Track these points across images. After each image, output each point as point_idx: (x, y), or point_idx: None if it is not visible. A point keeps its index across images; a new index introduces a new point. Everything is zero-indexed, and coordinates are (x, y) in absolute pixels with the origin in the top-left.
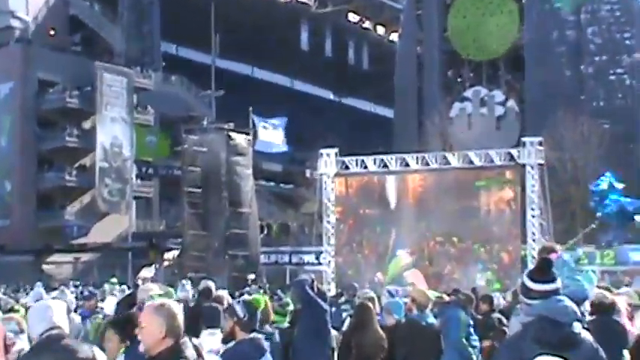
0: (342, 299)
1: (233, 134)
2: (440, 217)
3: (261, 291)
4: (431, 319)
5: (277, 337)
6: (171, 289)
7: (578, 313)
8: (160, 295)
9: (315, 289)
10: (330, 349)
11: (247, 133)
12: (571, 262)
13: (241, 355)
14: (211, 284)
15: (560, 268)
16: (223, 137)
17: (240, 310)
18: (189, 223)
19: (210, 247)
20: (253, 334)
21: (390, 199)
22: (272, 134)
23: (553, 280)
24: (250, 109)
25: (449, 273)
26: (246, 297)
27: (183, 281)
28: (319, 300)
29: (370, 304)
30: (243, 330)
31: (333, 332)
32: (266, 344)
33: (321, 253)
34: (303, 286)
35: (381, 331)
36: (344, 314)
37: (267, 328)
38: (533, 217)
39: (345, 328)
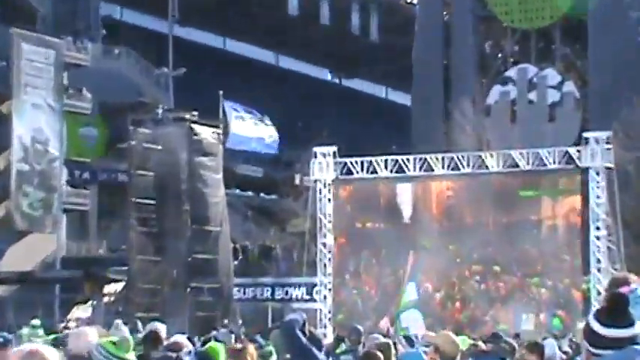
0: (343, 347)
1: (197, 127)
2: (475, 238)
3: (233, 336)
4: None
5: None
6: (127, 337)
7: None
8: (112, 344)
9: (308, 334)
10: None
11: (217, 126)
12: None
13: None
14: (161, 327)
15: (635, 306)
16: (184, 131)
17: None
18: (137, 246)
19: (166, 278)
20: None
21: (405, 212)
22: (250, 127)
23: (631, 324)
24: (221, 93)
25: (490, 317)
26: (212, 343)
27: (118, 321)
28: (313, 349)
29: (380, 355)
30: None
31: None
32: None
33: (315, 285)
34: (293, 330)
35: None
36: None
37: None
38: (598, 238)
39: None
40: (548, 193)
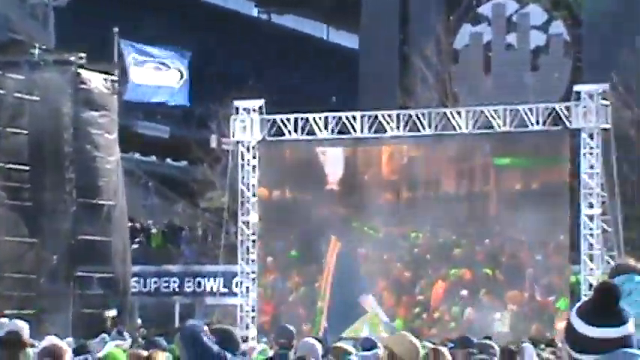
0: (270, 353)
1: (85, 73)
2: (436, 216)
3: (129, 339)
4: None
5: None
6: None
7: None
8: None
9: (214, 338)
10: None
11: (110, 72)
12: None
13: None
14: (22, 326)
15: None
16: (68, 77)
17: None
18: (6, 225)
19: (43, 266)
20: None
21: (342, 184)
22: (153, 74)
23: (623, 322)
24: (115, 30)
25: (452, 316)
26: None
27: None
28: (229, 356)
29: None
30: None
31: None
32: None
33: (234, 275)
34: (198, 337)
35: None
36: None
37: None
38: (590, 218)
39: None
40: (529, 162)
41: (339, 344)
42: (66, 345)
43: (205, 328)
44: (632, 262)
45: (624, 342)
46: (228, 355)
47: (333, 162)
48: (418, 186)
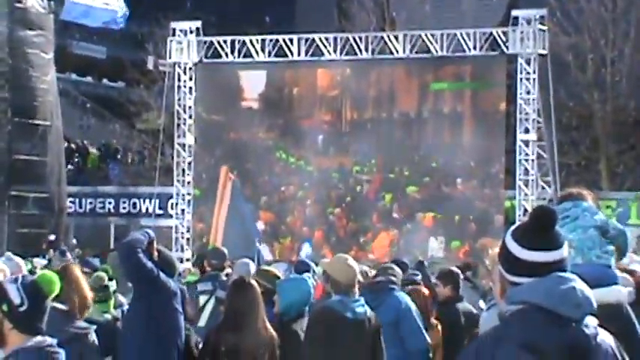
0: (203, 275)
1: None
2: (370, 140)
3: (64, 259)
4: (360, 309)
5: (93, 337)
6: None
7: (594, 304)
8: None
9: (157, 255)
10: (178, 355)
11: None
12: (600, 218)
13: None
14: None
15: (578, 224)
16: None
17: (14, 293)
18: None
19: None
20: (38, 339)
21: (285, 105)
22: None
23: (557, 245)
24: None
25: (384, 237)
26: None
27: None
28: (162, 275)
29: (254, 284)
30: (19, 329)
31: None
32: (61, 356)
33: (170, 197)
34: (134, 252)
35: (271, 330)
36: (202, 299)
37: (78, 323)
38: (526, 143)
39: (204, 321)
40: (465, 85)
41: (267, 267)
42: (5, 265)
43: (146, 244)
44: (582, 190)
45: (558, 265)
46: (161, 274)
47: (256, 81)
48: (353, 111)
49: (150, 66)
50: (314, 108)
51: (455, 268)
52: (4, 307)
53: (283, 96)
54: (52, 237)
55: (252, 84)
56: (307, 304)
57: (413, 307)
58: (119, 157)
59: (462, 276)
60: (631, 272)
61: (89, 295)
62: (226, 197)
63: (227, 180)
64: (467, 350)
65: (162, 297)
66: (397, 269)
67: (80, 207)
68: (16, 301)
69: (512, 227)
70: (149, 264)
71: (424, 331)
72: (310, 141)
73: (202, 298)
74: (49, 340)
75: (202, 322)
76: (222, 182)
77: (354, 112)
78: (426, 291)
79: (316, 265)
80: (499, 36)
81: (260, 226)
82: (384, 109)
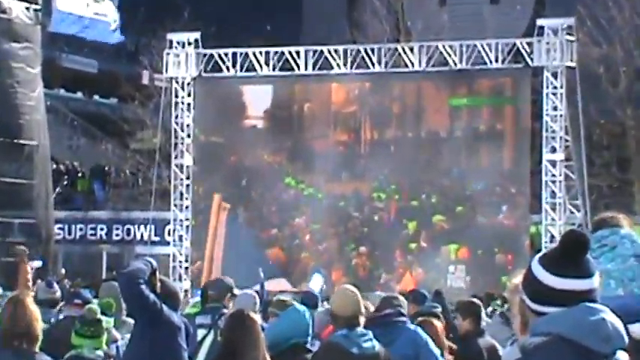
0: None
1: (5, 1)
2: (384, 163)
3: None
4: (368, 343)
5: None
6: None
7: (625, 338)
8: None
9: (159, 287)
10: None
11: (33, 2)
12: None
13: None
14: None
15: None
16: None
17: None
18: None
19: None
20: None
21: (294, 124)
22: (81, 2)
23: (589, 274)
24: None
25: (408, 281)
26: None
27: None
28: (165, 308)
29: (253, 316)
30: None
31: None
32: None
33: (167, 223)
34: (136, 283)
35: None
36: (201, 333)
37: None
38: (553, 163)
39: (202, 357)
40: (487, 102)
41: (282, 297)
42: None
43: (148, 274)
44: (618, 215)
45: (589, 296)
46: (165, 308)
47: (261, 97)
48: (364, 131)
49: (145, 81)
50: (327, 127)
51: (475, 300)
52: None
53: (292, 113)
54: (38, 264)
55: (257, 100)
56: (304, 338)
57: (429, 340)
58: (111, 179)
59: (483, 309)
60: None
61: (40, 326)
62: (221, 226)
63: (220, 209)
64: None
65: (165, 332)
66: (402, 299)
67: (69, 234)
68: None
69: (540, 253)
70: (152, 296)
71: None
72: (322, 165)
73: (200, 332)
74: None
75: (201, 358)
76: (214, 211)
77: (366, 133)
78: (438, 323)
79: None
80: (523, 47)
81: (267, 262)
82: (398, 127)
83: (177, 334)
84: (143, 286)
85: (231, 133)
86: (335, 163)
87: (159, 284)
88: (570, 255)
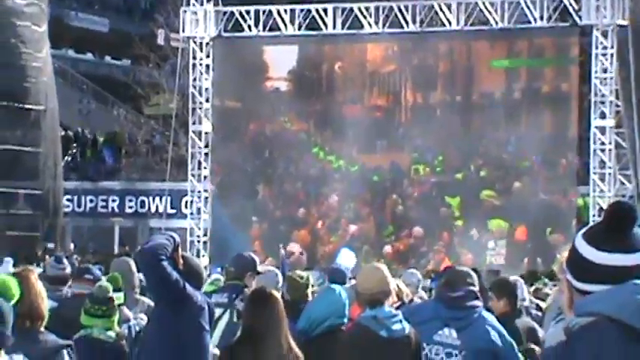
0: (221, 282)
1: None
2: (423, 130)
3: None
4: (397, 325)
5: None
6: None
7: None
8: None
9: (182, 264)
10: None
11: None
12: None
13: None
14: None
15: None
16: None
17: None
18: None
19: None
20: (8, 357)
21: (323, 86)
22: None
23: (636, 249)
24: None
25: (441, 246)
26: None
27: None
28: (189, 287)
29: (276, 295)
30: None
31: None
32: None
33: (184, 194)
34: (158, 261)
35: (296, 349)
36: (217, 312)
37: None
38: (602, 131)
39: (217, 338)
40: (530, 63)
41: (300, 274)
42: None
43: (171, 250)
44: None
45: (636, 272)
46: (188, 287)
47: (285, 58)
48: (404, 94)
49: (160, 41)
50: (362, 90)
51: (512, 278)
52: None
53: (321, 74)
54: (51, 245)
55: (281, 61)
56: (340, 319)
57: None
58: (124, 147)
59: (524, 287)
60: None
61: (45, 305)
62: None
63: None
64: None
65: (188, 313)
66: (474, 276)
67: (79, 206)
68: None
69: (584, 228)
70: (175, 274)
71: None
72: (355, 133)
73: (217, 312)
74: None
75: (215, 339)
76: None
77: (400, 96)
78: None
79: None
80: (570, 4)
81: (294, 248)
82: (436, 92)
83: (201, 314)
84: (165, 264)
85: (253, 97)
86: (370, 132)
87: (181, 261)
88: (616, 228)
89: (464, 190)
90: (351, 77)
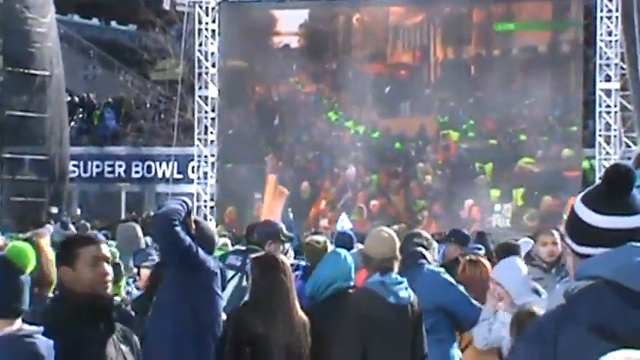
0: (229, 247)
1: None
2: (458, 91)
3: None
4: (404, 292)
5: None
6: None
7: None
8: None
9: (194, 229)
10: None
11: None
12: None
13: None
14: None
15: None
16: None
17: None
18: None
19: None
20: (13, 327)
21: (338, 41)
22: None
23: (635, 211)
24: None
25: (445, 208)
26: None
27: None
28: (201, 252)
29: (284, 259)
30: None
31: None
32: (47, 346)
33: (191, 159)
34: (172, 226)
35: (302, 314)
36: (230, 274)
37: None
38: (608, 94)
39: (226, 296)
40: (535, 26)
41: (315, 238)
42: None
43: (186, 209)
44: None
45: (635, 235)
46: (200, 252)
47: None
48: (434, 48)
49: (166, 5)
50: (384, 44)
51: (515, 241)
52: None
53: (337, 28)
54: (55, 209)
55: (291, 15)
56: (347, 282)
57: (452, 280)
58: (131, 112)
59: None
60: None
61: (55, 270)
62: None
63: (276, 195)
64: (527, 333)
65: (200, 278)
66: (428, 236)
67: (85, 171)
68: None
69: (583, 192)
70: (188, 240)
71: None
72: (377, 95)
73: (229, 275)
74: (26, 328)
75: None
76: (270, 192)
77: (446, 49)
78: (488, 264)
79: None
80: None
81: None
82: (441, 53)
83: (213, 279)
84: (179, 229)
85: (261, 57)
86: (393, 93)
87: (194, 226)
88: (615, 190)
89: (498, 156)
90: (371, 31)
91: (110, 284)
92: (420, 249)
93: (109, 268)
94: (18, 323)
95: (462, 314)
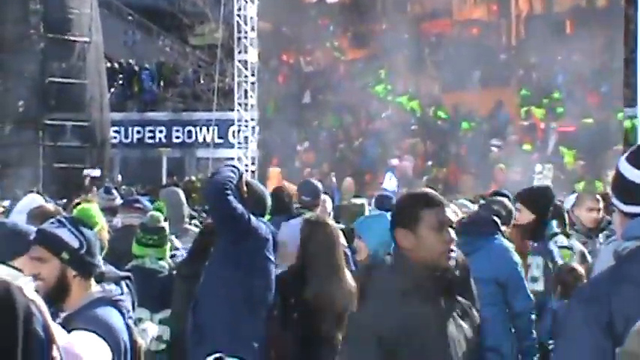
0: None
1: None
2: (500, 57)
3: (119, 199)
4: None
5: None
6: None
7: None
8: None
9: (246, 192)
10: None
11: None
12: None
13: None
14: None
15: None
16: None
17: (70, 236)
18: None
19: (6, 112)
20: (103, 288)
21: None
22: None
23: None
24: None
25: (486, 171)
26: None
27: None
28: (253, 219)
29: (331, 222)
30: (84, 276)
31: None
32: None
33: (231, 124)
34: (225, 193)
35: (350, 281)
36: None
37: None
38: None
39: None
40: None
41: (354, 201)
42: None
43: (237, 175)
44: None
45: None
46: (252, 218)
47: None
48: (507, 3)
49: None
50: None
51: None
52: (65, 255)
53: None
54: (96, 173)
55: None
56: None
57: (519, 260)
58: (170, 77)
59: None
60: None
61: (105, 235)
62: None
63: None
64: (580, 292)
65: (252, 246)
66: (509, 204)
67: (126, 137)
68: (75, 244)
69: (629, 151)
70: (240, 208)
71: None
72: (439, 63)
73: None
74: (114, 288)
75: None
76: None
77: (532, 1)
78: None
79: None
80: None
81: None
82: (471, 10)
83: (265, 246)
84: (231, 197)
85: (288, 20)
86: (463, 59)
87: (245, 189)
88: None
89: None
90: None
91: (454, 253)
92: (496, 219)
93: (454, 235)
94: (102, 285)
95: (513, 301)
